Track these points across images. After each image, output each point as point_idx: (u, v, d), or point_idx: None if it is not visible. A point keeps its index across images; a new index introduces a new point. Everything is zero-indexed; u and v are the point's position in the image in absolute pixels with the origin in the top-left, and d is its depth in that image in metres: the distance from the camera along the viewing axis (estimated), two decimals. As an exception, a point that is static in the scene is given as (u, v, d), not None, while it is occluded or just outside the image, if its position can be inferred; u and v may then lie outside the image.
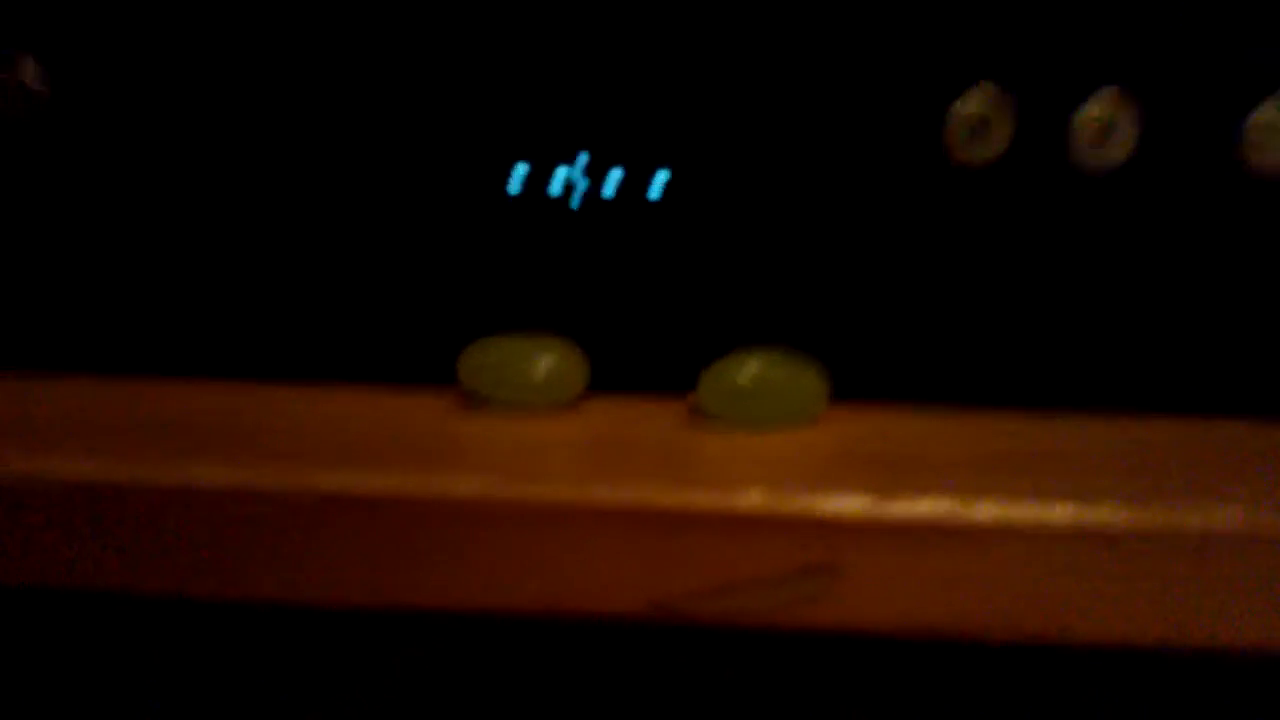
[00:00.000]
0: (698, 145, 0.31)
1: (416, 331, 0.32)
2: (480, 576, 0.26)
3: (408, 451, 0.28)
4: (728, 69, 0.30)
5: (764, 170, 0.31)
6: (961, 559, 0.25)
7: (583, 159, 0.31)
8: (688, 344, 0.31)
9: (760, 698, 0.43)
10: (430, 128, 0.31)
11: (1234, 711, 0.42)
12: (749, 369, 0.29)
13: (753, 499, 0.25)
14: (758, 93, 0.30)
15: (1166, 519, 0.25)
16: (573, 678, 0.43)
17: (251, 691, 0.44)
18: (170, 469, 0.26)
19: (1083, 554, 0.25)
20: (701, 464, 0.28)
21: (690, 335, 0.31)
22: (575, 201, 0.31)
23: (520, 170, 0.31)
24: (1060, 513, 0.25)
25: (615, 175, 0.31)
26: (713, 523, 0.25)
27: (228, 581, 0.26)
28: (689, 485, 0.26)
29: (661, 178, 0.31)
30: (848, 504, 0.25)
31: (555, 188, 0.31)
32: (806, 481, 0.26)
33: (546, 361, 0.30)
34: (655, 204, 0.31)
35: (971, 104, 0.30)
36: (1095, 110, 0.29)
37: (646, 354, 0.32)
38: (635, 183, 0.31)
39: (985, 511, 0.25)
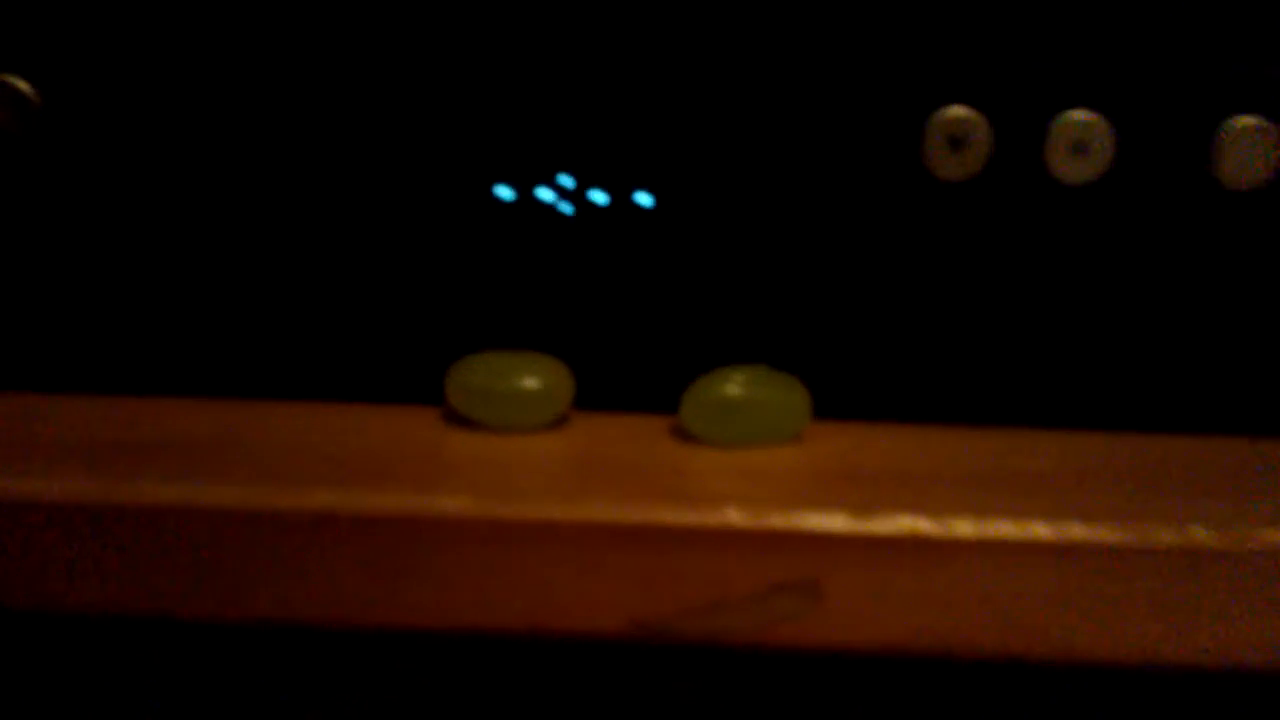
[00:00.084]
0: (680, 166, 0.31)
1: (405, 351, 0.32)
2: (466, 595, 0.26)
3: (396, 471, 0.28)
4: (711, 92, 0.31)
5: (746, 192, 0.31)
6: (942, 576, 0.25)
7: (565, 180, 0.31)
8: (672, 363, 0.31)
9: (744, 713, 0.43)
10: (414, 159, 0.31)
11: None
12: (732, 387, 0.30)
13: (735, 517, 0.25)
14: (740, 115, 0.31)
15: (1145, 535, 0.25)
16: (558, 692, 0.43)
17: (242, 707, 0.44)
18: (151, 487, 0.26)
19: (1064, 571, 0.25)
20: (685, 482, 0.28)
21: (674, 354, 0.32)
22: (559, 224, 0.31)
23: (504, 192, 0.31)
24: (1041, 530, 0.25)
25: (598, 196, 0.31)
26: (696, 541, 0.25)
27: (227, 601, 0.26)
28: (672, 503, 0.26)
29: (644, 199, 0.31)
30: (830, 521, 0.25)
31: (540, 210, 0.31)
32: (789, 499, 0.26)
33: (531, 381, 0.30)
34: (638, 224, 0.31)
35: (949, 122, 0.30)
36: (1071, 126, 0.30)
37: (631, 372, 0.32)
38: (618, 204, 0.31)
39: (966, 529, 0.25)
